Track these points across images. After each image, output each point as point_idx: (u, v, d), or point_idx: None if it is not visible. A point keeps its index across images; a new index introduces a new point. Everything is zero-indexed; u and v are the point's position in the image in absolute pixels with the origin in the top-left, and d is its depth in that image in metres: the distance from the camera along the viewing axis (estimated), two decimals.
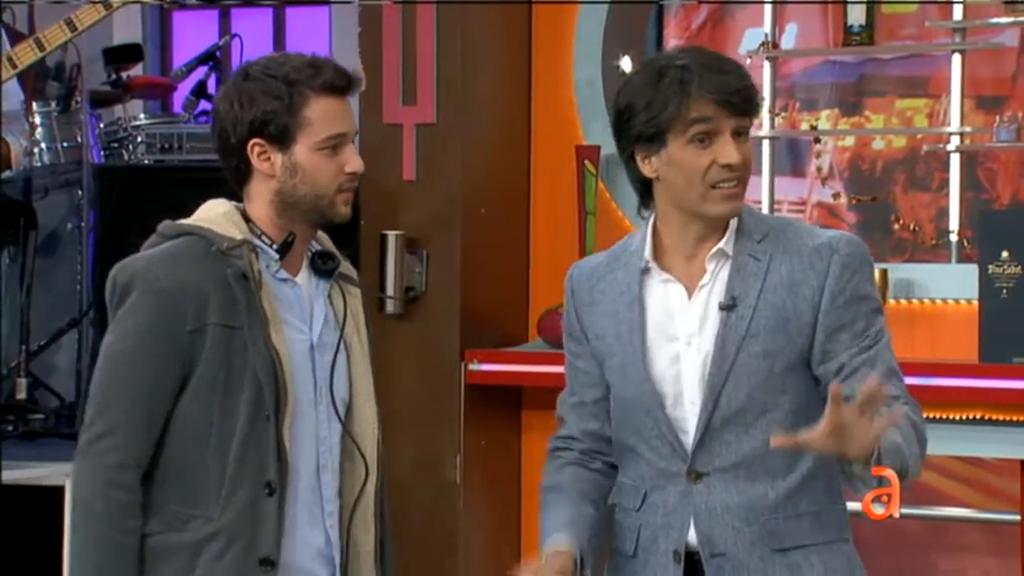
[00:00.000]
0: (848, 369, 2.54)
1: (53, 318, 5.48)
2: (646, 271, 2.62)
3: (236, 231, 2.68)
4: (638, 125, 2.56)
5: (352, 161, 2.69)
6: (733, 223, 2.59)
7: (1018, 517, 4.19)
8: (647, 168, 2.59)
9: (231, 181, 2.75)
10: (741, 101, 2.53)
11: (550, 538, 2.60)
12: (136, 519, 2.65)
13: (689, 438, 2.57)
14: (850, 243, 2.61)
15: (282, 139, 2.67)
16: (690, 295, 2.59)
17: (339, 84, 2.68)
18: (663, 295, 2.61)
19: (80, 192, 5.46)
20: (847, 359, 2.54)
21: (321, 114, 2.66)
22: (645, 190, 2.63)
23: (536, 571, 2.55)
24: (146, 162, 5.48)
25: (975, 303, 4.21)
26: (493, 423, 4.69)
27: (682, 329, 2.59)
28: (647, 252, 2.62)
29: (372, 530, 2.79)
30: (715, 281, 2.58)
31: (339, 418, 2.74)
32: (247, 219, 2.72)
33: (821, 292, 2.56)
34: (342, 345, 2.75)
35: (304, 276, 2.75)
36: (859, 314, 2.57)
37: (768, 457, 2.55)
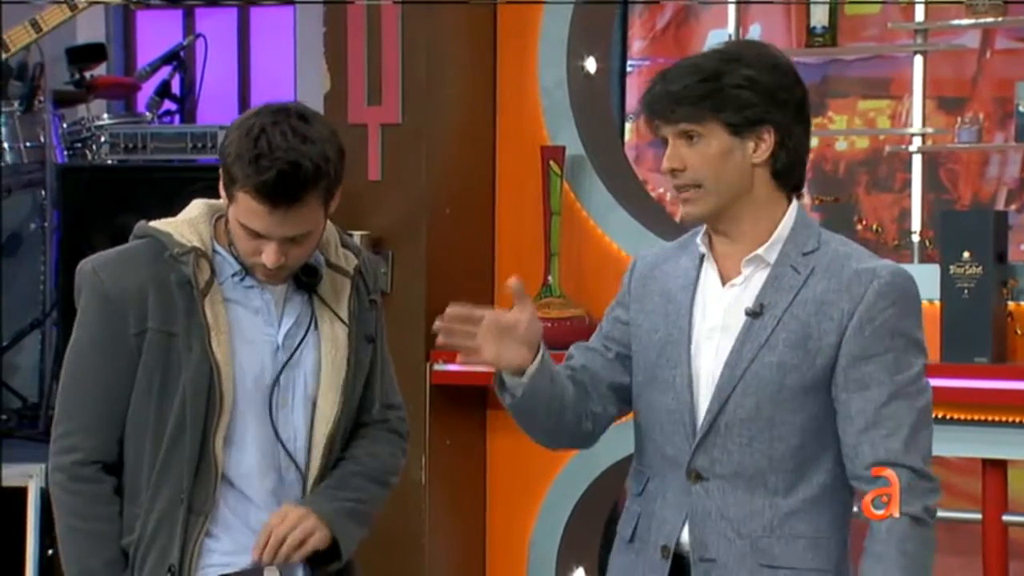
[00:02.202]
0: (865, 420, 2.49)
1: (16, 319, 5.45)
2: (703, 258, 2.61)
3: (194, 237, 2.69)
4: None
5: (268, 255, 2.64)
6: (780, 231, 2.56)
7: (979, 516, 4.22)
8: None
9: None
10: (661, 108, 2.54)
11: None
12: (106, 505, 2.70)
13: (697, 432, 2.56)
14: (894, 274, 2.53)
15: (226, 188, 2.67)
16: (722, 288, 2.59)
17: (266, 194, 2.59)
18: (706, 283, 2.60)
19: (43, 192, 5.43)
20: (869, 407, 2.49)
21: (244, 206, 2.63)
22: None
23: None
24: (109, 162, 5.45)
25: (937, 303, 4.24)
26: (458, 423, 4.69)
27: (707, 320, 2.58)
28: (701, 238, 2.61)
29: None
30: (747, 284, 2.56)
31: (272, 420, 2.71)
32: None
33: (850, 317, 2.50)
34: (312, 342, 2.74)
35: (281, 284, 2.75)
36: (892, 348, 2.50)
37: (770, 474, 2.53)
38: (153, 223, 2.74)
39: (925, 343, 2.57)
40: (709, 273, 2.60)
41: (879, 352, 2.50)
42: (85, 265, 2.74)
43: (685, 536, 2.57)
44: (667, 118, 2.54)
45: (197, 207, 2.76)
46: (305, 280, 2.75)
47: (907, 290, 2.54)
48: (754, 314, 2.53)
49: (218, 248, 2.72)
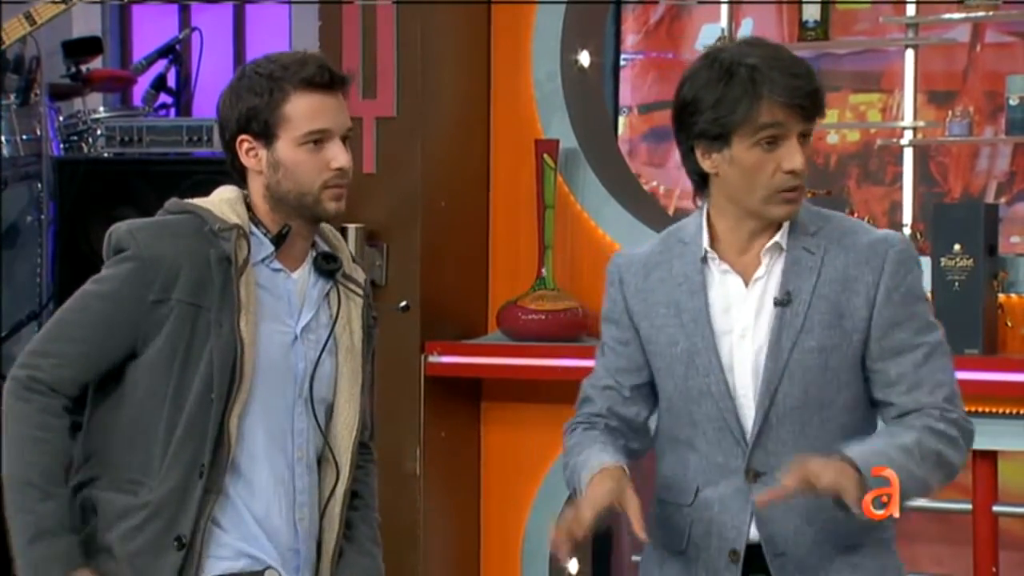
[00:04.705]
0: (907, 382, 2.55)
1: (12, 311, 5.47)
2: (705, 260, 2.59)
3: (233, 216, 2.72)
4: (702, 122, 2.52)
5: (338, 157, 2.69)
6: None
7: (970, 506, 4.25)
8: (707, 164, 2.56)
9: (233, 176, 2.79)
10: (811, 105, 2.51)
11: (593, 463, 2.53)
12: (55, 417, 2.68)
13: (747, 434, 2.56)
14: (904, 241, 2.61)
15: (265, 135, 2.70)
16: (746, 287, 2.58)
17: (320, 80, 2.68)
18: (722, 285, 2.59)
19: (39, 185, 5.45)
20: (908, 369, 2.55)
21: (302, 110, 2.68)
22: (702, 181, 2.60)
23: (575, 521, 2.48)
24: (106, 155, 5.47)
25: (928, 295, 4.27)
26: (453, 415, 4.72)
27: (737, 322, 2.57)
28: (705, 242, 2.60)
29: (336, 530, 2.81)
30: (770, 275, 2.57)
31: (315, 416, 2.76)
32: (250, 208, 2.75)
33: (876, 288, 2.55)
34: (330, 344, 2.76)
35: (303, 272, 2.77)
36: (916, 313, 2.57)
37: (824, 455, 2.52)
38: (186, 200, 2.77)
39: None
40: (719, 272, 2.59)
41: (907, 318, 2.56)
42: (121, 226, 2.74)
43: (752, 537, 2.57)
44: (813, 116, 2.53)
45: (230, 190, 2.78)
46: (326, 267, 2.77)
47: (915, 254, 2.62)
48: (783, 302, 2.54)
49: (254, 229, 2.74)
